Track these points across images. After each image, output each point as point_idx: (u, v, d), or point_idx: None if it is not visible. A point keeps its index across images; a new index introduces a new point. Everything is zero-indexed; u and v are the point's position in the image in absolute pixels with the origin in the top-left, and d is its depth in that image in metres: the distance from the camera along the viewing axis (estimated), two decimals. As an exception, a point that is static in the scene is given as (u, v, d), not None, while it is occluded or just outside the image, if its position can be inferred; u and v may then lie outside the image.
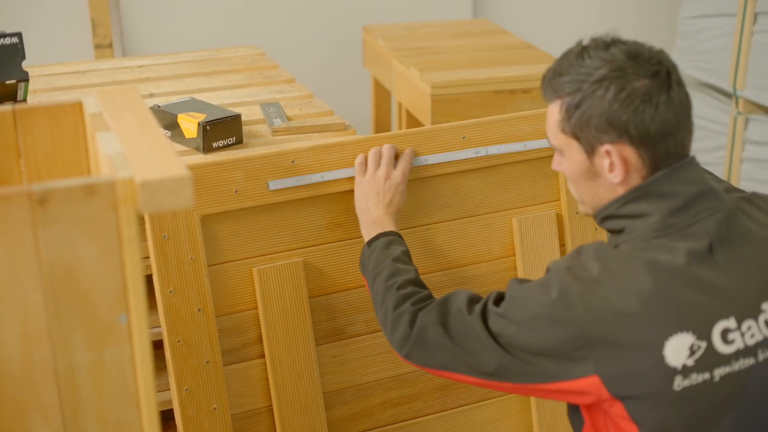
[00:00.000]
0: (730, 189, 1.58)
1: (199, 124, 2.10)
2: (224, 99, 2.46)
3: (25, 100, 2.06)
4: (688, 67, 4.03)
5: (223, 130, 2.13)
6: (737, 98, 3.74)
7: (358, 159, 1.75)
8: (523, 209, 1.93)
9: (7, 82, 2.01)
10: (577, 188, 1.51)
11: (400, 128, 3.50)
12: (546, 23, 4.28)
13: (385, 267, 1.62)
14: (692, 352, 1.36)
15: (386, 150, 1.75)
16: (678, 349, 1.35)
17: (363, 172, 1.75)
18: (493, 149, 1.87)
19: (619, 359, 1.36)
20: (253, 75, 2.69)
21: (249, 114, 2.34)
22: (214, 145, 2.13)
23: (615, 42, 1.43)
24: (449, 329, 1.50)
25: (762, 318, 1.40)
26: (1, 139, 1.27)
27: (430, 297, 1.58)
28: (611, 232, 1.48)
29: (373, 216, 1.71)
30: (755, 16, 3.61)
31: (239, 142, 2.17)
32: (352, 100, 3.97)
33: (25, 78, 2.02)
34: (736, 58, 3.69)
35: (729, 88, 3.77)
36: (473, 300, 1.52)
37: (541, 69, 3.02)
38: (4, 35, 1.99)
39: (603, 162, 1.43)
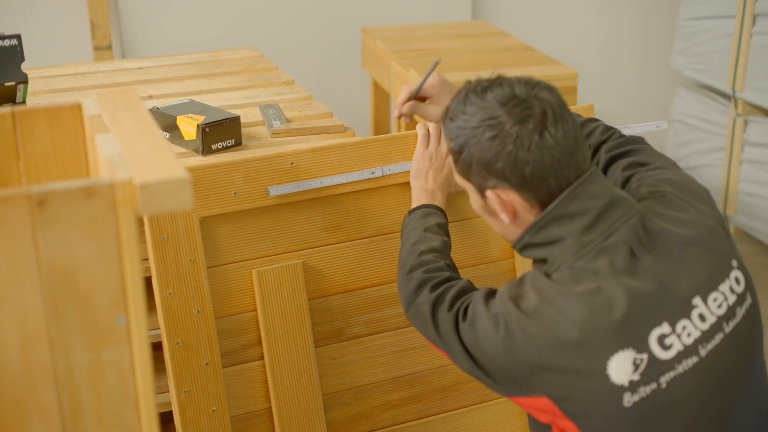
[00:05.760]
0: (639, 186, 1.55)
1: (198, 126, 2.10)
2: (223, 101, 2.46)
3: (24, 102, 2.06)
4: (687, 69, 4.03)
5: (222, 132, 2.13)
6: (736, 100, 3.74)
7: (422, 131, 1.81)
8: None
9: (6, 84, 2.00)
10: (489, 222, 1.53)
11: (399, 130, 3.50)
12: (545, 25, 4.28)
13: (414, 234, 1.68)
14: (636, 366, 1.35)
15: None
16: (622, 367, 1.35)
17: (425, 144, 1.80)
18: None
19: (564, 384, 1.37)
20: (253, 77, 2.69)
21: (248, 116, 2.34)
22: (213, 147, 2.13)
23: (494, 85, 1.43)
24: (436, 315, 1.54)
25: (695, 313, 1.39)
26: (1, 141, 1.27)
27: (444, 269, 1.61)
28: (535, 261, 1.48)
29: (428, 186, 1.77)
30: (754, 17, 3.61)
31: (238, 144, 2.17)
32: (352, 102, 3.97)
33: (24, 80, 2.02)
34: (735, 60, 3.69)
35: (728, 90, 3.77)
36: (463, 293, 1.54)
37: (540, 71, 3.02)
38: (3, 37, 1.99)
39: (493, 203, 1.45)
